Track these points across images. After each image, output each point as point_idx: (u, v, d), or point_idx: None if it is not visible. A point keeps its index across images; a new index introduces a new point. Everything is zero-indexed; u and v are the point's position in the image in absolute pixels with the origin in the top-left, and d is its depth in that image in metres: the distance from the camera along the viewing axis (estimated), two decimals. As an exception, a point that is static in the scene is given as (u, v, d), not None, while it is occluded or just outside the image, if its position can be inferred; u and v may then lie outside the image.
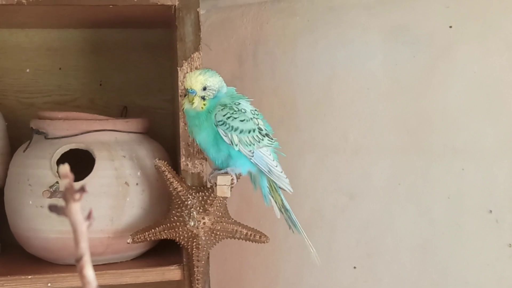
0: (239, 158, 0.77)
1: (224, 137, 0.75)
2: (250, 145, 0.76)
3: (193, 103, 0.74)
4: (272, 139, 0.79)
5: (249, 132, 0.76)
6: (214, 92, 0.75)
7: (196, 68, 0.84)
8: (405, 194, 0.95)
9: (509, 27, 0.89)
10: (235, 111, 0.76)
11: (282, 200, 0.81)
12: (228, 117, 0.75)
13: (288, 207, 0.82)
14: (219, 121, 0.75)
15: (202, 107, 0.75)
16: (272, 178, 0.79)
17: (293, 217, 0.82)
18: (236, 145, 0.76)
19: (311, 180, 1.01)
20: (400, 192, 0.96)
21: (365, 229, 0.98)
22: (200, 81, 0.74)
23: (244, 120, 0.76)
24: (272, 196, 0.81)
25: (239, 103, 0.77)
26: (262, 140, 0.78)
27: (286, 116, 1.02)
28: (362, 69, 0.97)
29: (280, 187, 0.81)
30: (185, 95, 0.76)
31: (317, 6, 1.00)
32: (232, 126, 0.75)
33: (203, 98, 0.75)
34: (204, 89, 0.75)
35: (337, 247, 1.00)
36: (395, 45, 0.95)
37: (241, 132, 0.76)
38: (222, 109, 0.75)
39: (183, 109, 0.78)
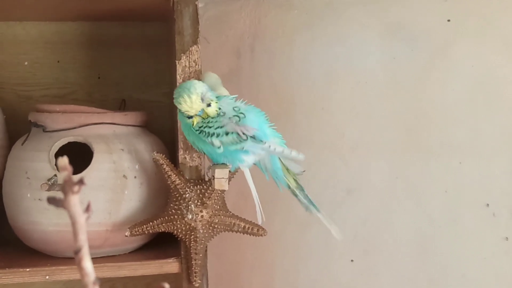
0: (244, 155, 0.77)
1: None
2: (236, 144, 0.76)
3: (208, 116, 0.76)
4: (259, 140, 0.77)
5: (227, 134, 0.76)
6: (209, 95, 0.76)
7: (195, 62, 0.84)
8: (403, 189, 0.96)
9: (506, 24, 0.89)
10: (211, 118, 0.76)
11: (296, 179, 0.81)
12: (204, 126, 0.76)
13: (302, 186, 0.81)
14: (196, 130, 0.76)
15: (217, 111, 0.76)
16: (280, 157, 0.80)
17: (309, 196, 0.82)
18: (219, 147, 0.76)
19: (308, 175, 1.01)
20: (397, 187, 0.96)
21: (363, 224, 0.99)
22: (198, 101, 0.75)
23: (218, 126, 0.76)
24: (287, 179, 0.81)
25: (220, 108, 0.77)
26: (245, 140, 0.77)
27: (283, 111, 1.02)
28: (360, 64, 0.97)
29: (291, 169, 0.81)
30: (190, 117, 0.77)
31: (315, 0, 1.00)
32: (208, 133, 0.76)
33: (209, 105, 0.76)
34: (202, 100, 0.75)
35: (334, 242, 1.00)
36: (393, 41, 0.95)
37: (217, 136, 0.76)
38: (209, 122, 0.76)
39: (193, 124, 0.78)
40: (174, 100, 0.76)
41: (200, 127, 0.76)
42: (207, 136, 0.76)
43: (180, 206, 0.82)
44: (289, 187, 0.81)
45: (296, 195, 0.82)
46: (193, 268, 0.83)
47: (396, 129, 0.96)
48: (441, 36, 0.92)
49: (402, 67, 0.95)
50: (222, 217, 0.84)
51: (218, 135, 0.76)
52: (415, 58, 0.94)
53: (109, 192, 0.85)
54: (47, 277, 0.84)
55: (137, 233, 0.84)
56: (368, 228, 0.98)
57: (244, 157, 0.78)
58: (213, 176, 0.77)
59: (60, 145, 0.85)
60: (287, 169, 0.81)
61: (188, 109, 0.75)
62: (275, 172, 0.80)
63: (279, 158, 0.81)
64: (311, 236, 1.01)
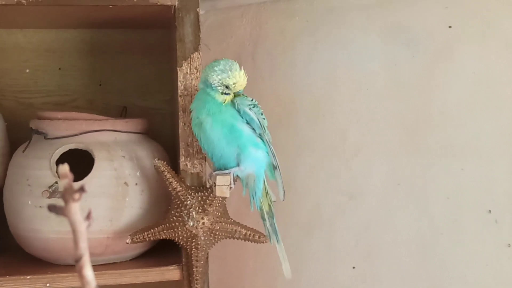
0: (249, 155, 0.77)
1: (250, 121, 0.76)
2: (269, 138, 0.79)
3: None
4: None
5: (264, 120, 0.79)
6: None
7: (196, 69, 0.84)
8: (405, 194, 0.95)
9: (508, 27, 0.89)
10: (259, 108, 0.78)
11: (270, 205, 0.82)
12: (256, 102, 0.77)
13: (274, 214, 0.82)
14: (249, 105, 0.76)
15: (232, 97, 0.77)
16: (276, 175, 0.81)
17: (276, 225, 0.82)
18: (265, 130, 0.77)
19: (310, 180, 1.01)
20: (399, 192, 0.96)
21: (365, 229, 0.98)
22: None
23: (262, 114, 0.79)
24: (262, 202, 0.81)
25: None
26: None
27: (285, 117, 1.02)
28: (361, 69, 0.97)
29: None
30: (224, 93, 0.76)
31: (316, 7, 1.00)
32: (261, 112, 0.78)
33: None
34: None
35: (336, 247, 1.00)
36: (394, 46, 0.95)
37: (264, 119, 0.78)
38: (245, 97, 0.77)
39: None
40: (212, 75, 0.75)
41: (252, 101, 0.77)
42: (261, 114, 0.77)
43: (181, 213, 0.82)
44: (261, 209, 0.82)
45: (263, 220, 0.82)
46: (194, 275, 0.83)
47: (398, 134, 0.95)
48: (442, 40, 0.92)
49: (403, 72, 0.95)
50: (223, 224, 0.83)
51: (264, 118, 0.78)
52: (417, 62, 0.94)
53: (110, 199, 0.85)
54: (48, 284, 0.84)
55: (138, 240, 0.83)
56: (370, 233, 0.98)
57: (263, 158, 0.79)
58: (215, 183, 0.77)
59: (61, 152, 0.85)
60: (266, 192, 0.81)
61: (242, 82, 0.75)
62: (254, 191, 0.80)
63: (264, 180, 0.81)
64: (313, 241, 1.01)
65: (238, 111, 0.76)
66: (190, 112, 0.80)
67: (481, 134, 0.91)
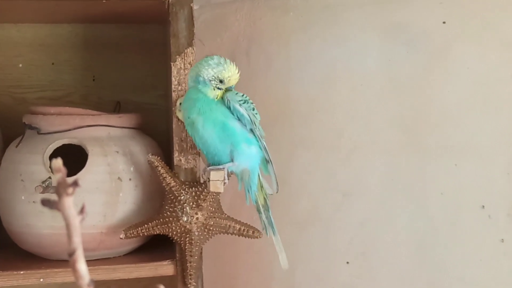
0: (243, 152, 0.77)
1: (241, 117, 0.76)
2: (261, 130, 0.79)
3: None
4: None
5: (256, 115, 0.78)
6: None
7: (190, 64, 0.84)
8: (400, 192, 0.96)
9: (504, 25, 0.89)
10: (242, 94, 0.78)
11: (265, 198, 0.82)
12: (247, 97, 0.77)
13: (269, 207, 0.82)
14: (240, 100, 0.76)
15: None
16: (269, 169, 0.81)
17: (272, 218, 0.82)
18: (256, 125, 0.77)
19: (306, 178, 1.01)
20: (395, 189, 0.96)
21: (360, 227, 0.98)
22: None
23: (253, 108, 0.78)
24: (257, 195, 0.82)
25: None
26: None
27: (280, 114, 1.02)
28: (357, 66, 0.97)
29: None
30: (217, 87, 0.76)
31: (311, 3, 1.00)
32: (253, 107, 0.77)
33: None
34: None
35: (332, 245, 1.00)
36: (391, 43, 0.95)
37: (255, 114, 0.77)
38: (235, 93, 0.77)
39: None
40: (207, 68, 0.75)
41: (242, 96, 0.77)
42: (252, 110, 0.77)
43: (175, 209, 0.82)
44: (257, 203, 0.82)
45: (259, 213, 0.82)
46: (188, 271, 0.83)
47: (394, 131, 0.96)
48: (439, 38, 0.92)
49: (400, 69, 0.95)
50: (217, 219, 0.83)
51: (256, 114, 0.78)
52: (413, 60, 0.94)
53: (104, 195, 0.85)
54: (41, 279, 0.84)
55: (132, 235, 0.83)
56: (366, 230, 0.98)
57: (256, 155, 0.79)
58: (209, 178, 0.77)
59: (55, 147, 0.85)
60: (261, 186, 0.82)
61: (236, 76, 0.76)
62: (250, 185, 0.81)
63: (259, 174, 0.81)
64: (309, 238, 1.01)
65: (229, 108, 0.76)
66: (181, 111, 0.80)
67: (476, 130, 0.91)
